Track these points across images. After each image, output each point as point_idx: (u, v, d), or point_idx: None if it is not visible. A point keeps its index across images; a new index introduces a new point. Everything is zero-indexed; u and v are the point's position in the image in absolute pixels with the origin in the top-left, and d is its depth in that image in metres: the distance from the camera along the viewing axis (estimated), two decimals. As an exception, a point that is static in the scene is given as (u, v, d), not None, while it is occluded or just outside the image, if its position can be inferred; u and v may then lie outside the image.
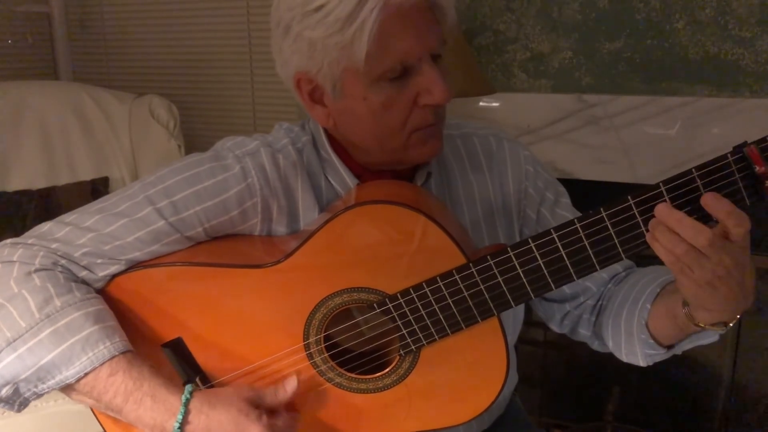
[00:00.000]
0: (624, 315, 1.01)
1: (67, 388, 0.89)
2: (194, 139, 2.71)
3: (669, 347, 0.98)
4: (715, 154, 0.78)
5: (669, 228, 0.78)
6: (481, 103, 2.21)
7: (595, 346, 1.12)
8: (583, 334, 1.12)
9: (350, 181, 1.00)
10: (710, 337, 0.94)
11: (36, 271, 0.89)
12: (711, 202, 0.76)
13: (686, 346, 0.98)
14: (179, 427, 0.86)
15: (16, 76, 2.76)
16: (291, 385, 0.93)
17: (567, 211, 1.09)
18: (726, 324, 0.87)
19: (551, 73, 2.20)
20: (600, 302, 1.09)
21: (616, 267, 1.08)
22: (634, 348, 1.01)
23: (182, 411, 0.86)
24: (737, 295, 0.81)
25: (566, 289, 1.08)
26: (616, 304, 1.04)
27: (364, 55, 0.87)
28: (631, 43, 2.08)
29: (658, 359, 1.01)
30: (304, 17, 0.88)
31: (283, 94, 2.63)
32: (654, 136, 2.03)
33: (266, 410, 0.90)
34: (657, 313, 0.96)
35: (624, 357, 1.05)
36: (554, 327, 1.15)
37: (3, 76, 2.69)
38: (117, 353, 0.88)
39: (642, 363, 1.02)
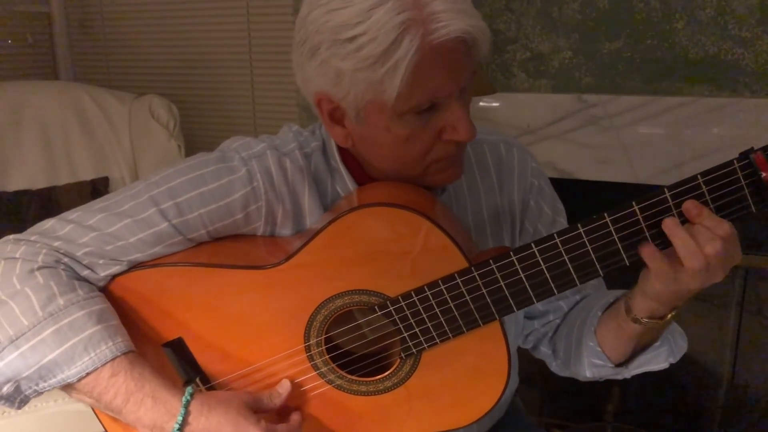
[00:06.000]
0: (577, 323, 1.03)
1: (67, 387, 0.89)
2: (194, 139, 2.71)
3: (618, 366, 0.99)
4: (714, 154, 0.79)
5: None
6: (481, 103, 2.20)
7: (553, 366, 1.13)
8: (544, 351, 1.13)
9: None
10: (659, 362, 0.97)
11: (39, 268, 0.89)
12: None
13: (635, 368, 0.99)
14: (178, 429, 0.86)
15: (16, 76, 2.76)
16: (284, 388, 0.94)
17: None
18: (662, 318, 0.89)
19: (551, 73, 2.20)
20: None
21: (588, 290, 1.09)
22: (580, 356, 1.02)
23: (182, 413, 0.86)
24: (689, 288, 0.83)
25: (539, 306, 1.09)
26: (572, 317, 1.07)
27: (395, 95, 0.83)
28: (631, 43, 2.08)
29: (604, 373, 1.02)
30: (334, 45, 0.84)
31: (283, 94, 2.63)
32: (654, 136, 2.03)
33: (265, 414, 0.91)
34: (604, 320, 0.97)
35: (571, 367, 1.06)
36: (519, 336, 1.16)
37: (3, 76, 2.69)
38: (119, 353, 0.88)
39: (587, 373, 1.03)
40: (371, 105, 0.87)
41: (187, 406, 0.87)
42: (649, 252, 0.81)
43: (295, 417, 0.95)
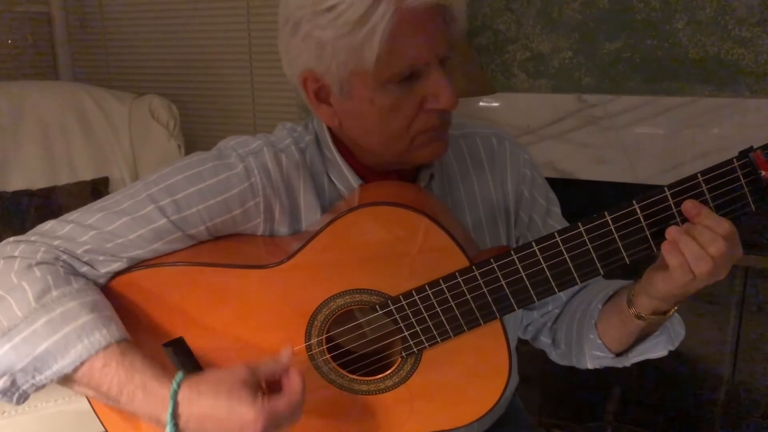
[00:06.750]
0: (577, 316, 1.04)
1: (66, 381, 0.88)
2: (194, 139, 2.71)
3: (618, 355, 1.00)
4: (715, 154, 0.79)
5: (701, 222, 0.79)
6: (481, 103, 2.20)
7: (554, 356, 1.14)
8: (544, 341, 1.14)
9: (354, 181, 1.00)
10: (659, 350, 0.98)
11: (37, 264, 0.89)
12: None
13: (635, 357, 1.00)
14: (171, 419, 0.83)
15: (16, 76, 2.76)
16: (286, 354, 0.88)
17: (556, 222, 1.11)
18: (665, 313, 0.90)
19: (551, 73, 2.20)
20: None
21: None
22: (582, 348, 1.03)
23: (171, 403, 0.84)
24: (695, 288, 0.84)
25: None
26: (572, 308, 1.08)
27: (374, 59, 0.86)
28: (631, 43, 2.08)
29: (606, 364, 1.03)
30: (315, 16, 0.87)
31: (283, 94, 2.63)
32: (654, 136, 2.03)
33: (266, 390, 0.86)
34: (605, 313, 0.98)
35: (573, 359, 1.08)
36: (518, 332, 1.16)
37: (3, 76, 2.70)
38: (113, 341, 0.87)
39: (589, 365, 1.05)
40: (354, 76, 0.89)
41: (174, 396, 0.84)
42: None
43: (295, 385, 0.86)
